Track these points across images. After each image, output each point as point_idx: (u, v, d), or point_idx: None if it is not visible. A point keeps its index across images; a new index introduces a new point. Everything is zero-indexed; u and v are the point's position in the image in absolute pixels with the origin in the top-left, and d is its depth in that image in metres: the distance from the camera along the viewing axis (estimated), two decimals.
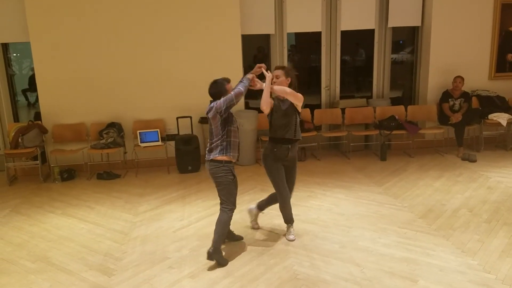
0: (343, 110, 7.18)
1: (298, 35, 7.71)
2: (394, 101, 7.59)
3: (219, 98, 3.75)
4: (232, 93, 3.75)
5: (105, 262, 3.98)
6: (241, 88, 3.80)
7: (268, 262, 3.83)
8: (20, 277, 3.78)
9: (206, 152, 3.91)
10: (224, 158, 3.81)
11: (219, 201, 3.93)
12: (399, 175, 6.15)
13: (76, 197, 5.77)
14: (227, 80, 3.85)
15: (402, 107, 7.23)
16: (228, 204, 3.88)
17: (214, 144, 3.83)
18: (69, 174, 6.54)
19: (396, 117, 6.97)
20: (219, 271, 3.73)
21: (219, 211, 3.81)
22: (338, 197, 5.37)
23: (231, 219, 3.92)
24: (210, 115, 3.80)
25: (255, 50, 7.79)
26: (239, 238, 4.30)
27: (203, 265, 3.83)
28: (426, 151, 7.32)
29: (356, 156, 7.18)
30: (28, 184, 6.42)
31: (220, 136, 3.80)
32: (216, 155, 3.81)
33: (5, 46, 6.89)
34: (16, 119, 7.10)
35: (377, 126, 7.04)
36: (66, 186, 6.27)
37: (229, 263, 3.85)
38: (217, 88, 3.80)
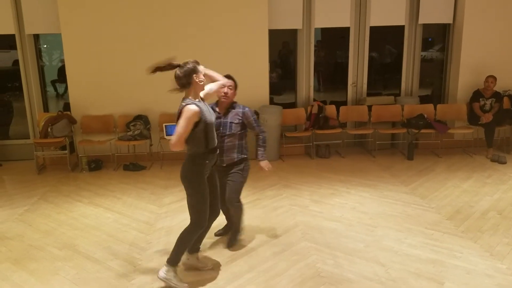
0: (369, 107, 7.08)
1: (323, 30, 7.62)
2: (423, 100, 7.44)
3: None
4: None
5: (131, 251, 4.04)
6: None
7: (291, 258, 3.82)
8: (47, 263, 3.87)
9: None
10: None
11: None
12: (427, 175, 6.03)
13: (102, 187, 5.87)
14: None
15: (431, 106, 7.08)
16: None
17: None
18: (96, 164, 6.66)
19: (425, 115, 6.83)
20: (242, 264, 3.74)
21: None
22: (362, 195, 5.30)
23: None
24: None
25: (280, 45, 7.74)
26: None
27: (226, 258, 3.85)
28: (454, 151, 7.16)
29: (381, 155, 7.07)
30: (56, 173, 6.57)
31: None
32: None
33: (36, 37, 7.04)
34: (46, 109, 7.26)
35: (405, 124, 6.92)
36: (93, 176, 6.38)
37: (252, 257, 3.85)
38: None
